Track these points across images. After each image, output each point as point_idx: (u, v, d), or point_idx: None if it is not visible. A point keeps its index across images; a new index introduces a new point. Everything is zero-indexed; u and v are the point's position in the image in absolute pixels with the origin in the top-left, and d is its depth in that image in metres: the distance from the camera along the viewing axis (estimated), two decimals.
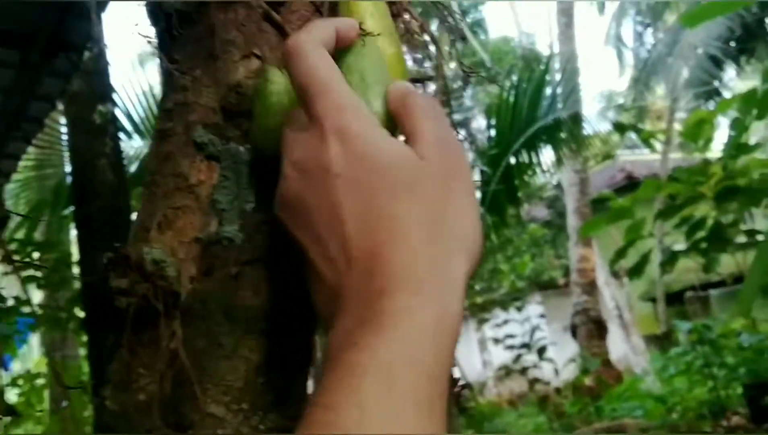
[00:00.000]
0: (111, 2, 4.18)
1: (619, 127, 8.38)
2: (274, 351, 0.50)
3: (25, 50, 4.33)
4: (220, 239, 0.52)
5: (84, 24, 4.23)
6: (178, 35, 0.55)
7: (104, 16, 4.24)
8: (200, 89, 0.54)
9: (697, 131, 6.66)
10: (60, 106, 5.30)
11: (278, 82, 0.50)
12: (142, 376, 0.49)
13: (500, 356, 11.24)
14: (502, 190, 7.18)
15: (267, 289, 0.51)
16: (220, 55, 0.54)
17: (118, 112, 5.67)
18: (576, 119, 7.88)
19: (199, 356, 0.49)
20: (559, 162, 8.14)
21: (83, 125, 4.97)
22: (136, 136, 7.00)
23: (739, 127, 3.83)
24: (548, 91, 8.01)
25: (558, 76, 8.55)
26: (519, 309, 10.62)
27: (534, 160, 7.83)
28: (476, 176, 7.46)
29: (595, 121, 8.20)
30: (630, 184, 14.39)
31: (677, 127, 13.51)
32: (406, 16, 0.60)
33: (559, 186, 13.21)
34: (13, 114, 5.06)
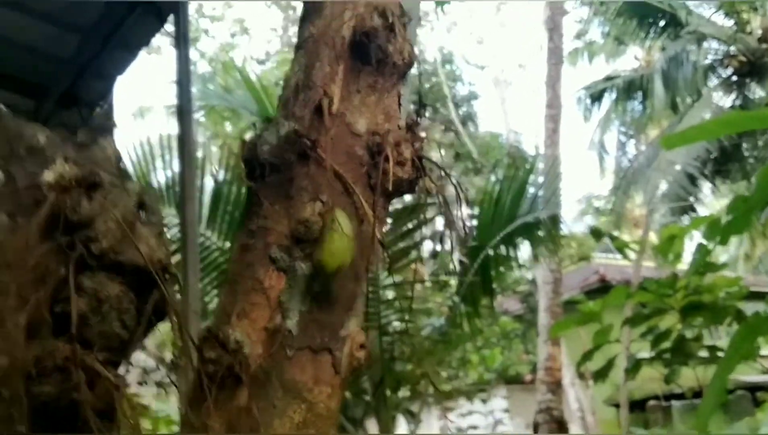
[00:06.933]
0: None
1: (596, 233, 8.67)
2: (313, 418, 0.70)
3: (39, 100, 4.57)
4: (281, 329, 0.72)
5: (99, 83, 4.49)
6: (268, 178, 0.77)
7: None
8: (277, 219, 0.76)
9: (668, 246, 6.96)
10: None
11: (344, 224, 0.72)
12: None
13: None
14: (478, 282, 7.37)
15: (312, 368, 0.71)
16: (295, 196, 0.76)
17: None
18: (554, 221, 8.14)
19: (259, 412, 0.68)
20: (535, 259, 8.34)
21: None
22: None
23: (702, 253, 4.09)
24: (530, 190, 8.28)
25: (541, 178, 8.85)
26: (484, 401, 10.66)
27: (511, 254, 8.03)
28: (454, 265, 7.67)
29: (573, 223, 8.55)
30: (603, 287, 14.62)
31: (653, 235, 13.92)
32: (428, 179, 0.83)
33: (534, 281, 13.43)
34: None
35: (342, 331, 0.76)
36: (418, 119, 0.84)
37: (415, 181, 0.83)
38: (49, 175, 0.67)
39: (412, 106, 0.83)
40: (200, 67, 17.50)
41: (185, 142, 3.70)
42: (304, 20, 0.87)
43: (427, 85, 14.69)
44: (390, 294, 7.13)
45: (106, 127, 5.27)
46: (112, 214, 0.64)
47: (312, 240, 0.74)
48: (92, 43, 4.01)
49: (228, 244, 6.12)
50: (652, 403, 11.75)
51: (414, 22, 1.18)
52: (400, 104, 0.85)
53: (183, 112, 3.63)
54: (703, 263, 4.68)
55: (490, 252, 7.72)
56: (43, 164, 0.69)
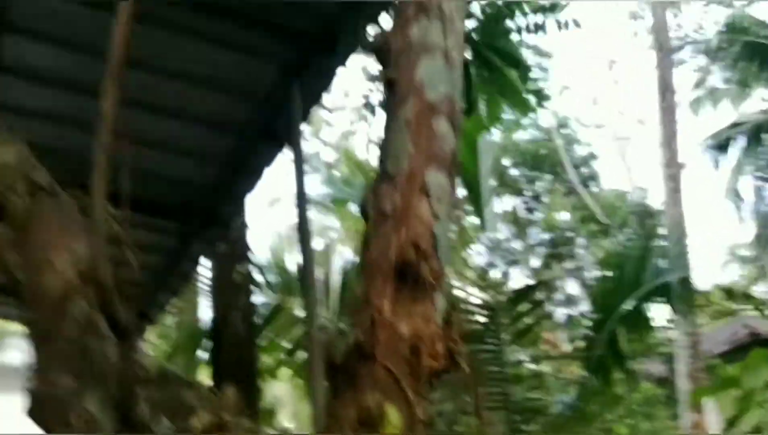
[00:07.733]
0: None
1: (729, 293, 8.41)
2: None
3: (184, 222, 5.20)
4: None
5: (232, 203, 5.07)
6: (340, 374, 1.09)
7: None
8: (348, 406, 1.07)
9: None
10: (201, 262, 6.14)
11: (393, 417, 1.01)
12: None
13: None
14: (607, 353, 7.28)
15: None
16: (359, 388, 1.07)
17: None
18: (684, 283, 7.93)
19: None
20: (670, 322, 8.14)
21: (224, 282, 5.74)
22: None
23: None
24: (657, 249, 8.13)
25: (667, 238, 8.69)
26: None
27: (642, 320, 7.86)
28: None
29: (715, 275, 8.29)
30: (754, 342, 13.75)
31: None
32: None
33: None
34: (166, 271, 5.93)
35: None
36: (452, 318, 1.13)
37: (448, 368, 1.11)
38: (195, 422, 1.02)
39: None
40: (324, 155, 18.49)
41: (304, 241, 4.00)
42: (362, 250, 1.21)
43: (543, 151, 14.81)
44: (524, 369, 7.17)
45: (241, 237, 5.87)
46: None
47: (372, 422, 1.04)
48: (225, 171, 4.59)
49: None
50: None
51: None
52: (435, 309, 1.15)
53: (303, 233, 3.99)
54: None
55: (618, 320, 7.61)
56: (192, 413, 1.04)
